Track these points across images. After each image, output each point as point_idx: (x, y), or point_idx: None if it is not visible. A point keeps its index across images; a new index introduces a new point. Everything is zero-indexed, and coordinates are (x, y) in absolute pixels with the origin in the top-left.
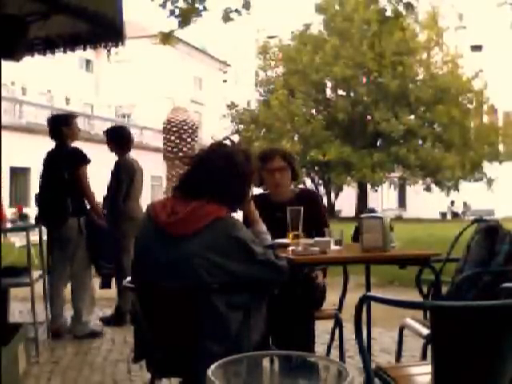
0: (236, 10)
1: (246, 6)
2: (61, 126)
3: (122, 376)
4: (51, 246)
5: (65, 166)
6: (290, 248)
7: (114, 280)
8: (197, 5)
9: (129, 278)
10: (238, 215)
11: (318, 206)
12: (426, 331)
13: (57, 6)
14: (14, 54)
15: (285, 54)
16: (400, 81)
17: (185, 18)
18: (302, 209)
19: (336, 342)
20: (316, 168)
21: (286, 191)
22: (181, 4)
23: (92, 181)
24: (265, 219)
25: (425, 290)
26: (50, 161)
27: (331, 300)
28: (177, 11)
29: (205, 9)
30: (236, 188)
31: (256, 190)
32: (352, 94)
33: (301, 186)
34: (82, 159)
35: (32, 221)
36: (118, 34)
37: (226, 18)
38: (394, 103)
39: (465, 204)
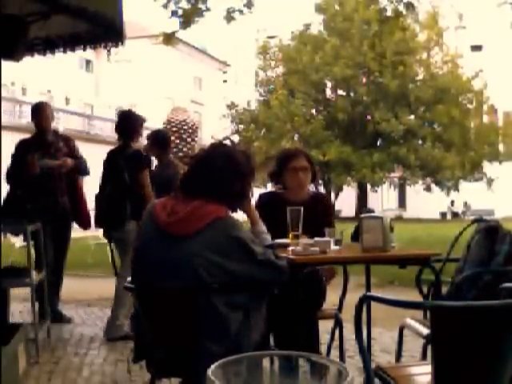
0: (239, 10)
1: (248, 5)
2: (139, 125)
3: (122, 376)
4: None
5: (127, 167)
6: (290, 248)
7: None
8: (199, 5)
9: (129, 278)
10: (238, 215)
11: (329, 210)
12: (426, 331)
13: (57, 6)
14: (14, 53)
15: (285, 54)
16: (400, 81)
17: (187, 19)
18: (302, 209)
19: (336, 342)
20: (317, 167)
21: (302, 192)
22: (183, 4)
23: (93, 180)
24: (275, 218)
25: (425, 290)
26: (113, 161)
27: (331, 300)
28: (179, 12)
29: (207, 9)
30: (236, 187)
31: (256, 190)
32: (352, 94)
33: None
34: (146, 162)
35: None
36: (118, 34)
37: (229, 18)
38: (394, 103)
39: (465, 204)
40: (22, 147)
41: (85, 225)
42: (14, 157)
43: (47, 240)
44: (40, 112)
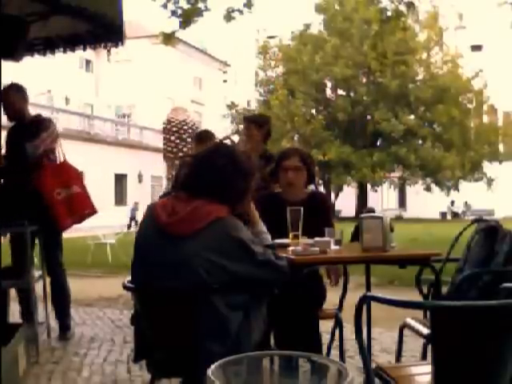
0: (238, 10)
1: (248, 5)
2: None
3: (122, 376)
4: None
5: None
6: (290, 248)
7: None
8: (199, 5)
9: (129, 278)
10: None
11: (327, 210)
12: (426, 331)
13: (57, 7)
14: (14, 53)
15: (285, 54)
16: (400, 81)
17: (186, 19)
18: (302, 209)
19: (336, 342)
20: (316, 168)
21: (297, 192)
22: (182, 4)
23: (91, 180)
24: (274, 218)
25: (425, 290)
26: None
27: (331, 300)
28: (179, 11)
29: (207, 9)
30: (237, 187)
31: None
32: (352, 94)
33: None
34: None
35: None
36: (118, 34)
37: (228, 17)
38: (394, 103)
39: (465, 204)
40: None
41: (53, 226)
42: None
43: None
44: (2, 102)
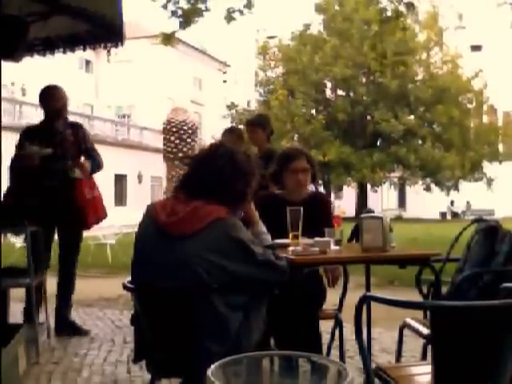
0: (239, 10)
1: (248, 5)
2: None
3: (122, 377)
4: None
5: None
6: (290, 248)
7: None
8: (199, 5)
9: (129, 278)
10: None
11: (328, 210)
12: (426, 331)
13: (57, 7)
14: (14, 54)
15: (285, 54)
16: (400, 81)
17: (187, 19)
18: (302, 209)
19: (336, 342)
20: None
21: (303, 192)
22: (182, 4)
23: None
24: (274, 218)
25: (425, 290)
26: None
27: (331, 300)
28: (179, 12)
29: (207, 9)
30: (237, 187)
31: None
32: (352, 94)
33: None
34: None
35: None
36: (118, 35)
37: (229, 18)
38: (394, 103)
39: (465, 204)
40: (25, 135)
41: (82, 225)
42: (17, 146)
43: (46, 242)
44: (48, 95)
